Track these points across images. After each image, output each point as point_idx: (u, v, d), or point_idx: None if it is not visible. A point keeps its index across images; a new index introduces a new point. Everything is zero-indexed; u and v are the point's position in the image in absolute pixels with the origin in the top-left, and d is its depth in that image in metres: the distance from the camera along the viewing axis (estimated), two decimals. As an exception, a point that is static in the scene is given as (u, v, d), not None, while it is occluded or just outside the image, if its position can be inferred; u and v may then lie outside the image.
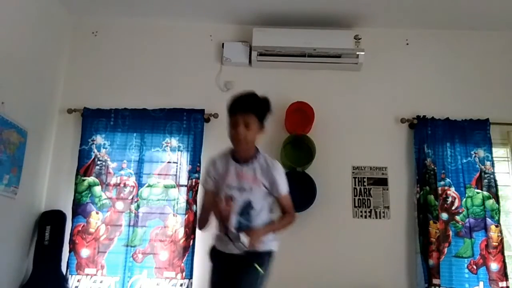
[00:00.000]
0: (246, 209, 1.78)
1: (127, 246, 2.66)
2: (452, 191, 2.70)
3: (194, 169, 2.76)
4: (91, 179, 2.76)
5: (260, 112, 1.78)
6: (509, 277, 2.54)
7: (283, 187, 1.84)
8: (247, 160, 1.83)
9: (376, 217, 2.75)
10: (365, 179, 2.81)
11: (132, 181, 2.78)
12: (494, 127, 2.80)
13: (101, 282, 2.62)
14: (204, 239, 2.35)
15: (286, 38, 2.89)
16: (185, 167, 2.79)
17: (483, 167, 2.72)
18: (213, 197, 1.82)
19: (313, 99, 2.84)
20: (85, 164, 2.79)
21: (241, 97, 1.80)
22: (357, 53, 2.85)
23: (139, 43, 3.10)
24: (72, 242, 2.66)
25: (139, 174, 2.78)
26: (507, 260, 2.56)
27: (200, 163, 2.76)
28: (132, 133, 2.86)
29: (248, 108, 1.75)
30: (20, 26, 2.52)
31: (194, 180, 2.74)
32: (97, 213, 2.72)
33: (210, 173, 1.86)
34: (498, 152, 2.83)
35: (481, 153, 2.75)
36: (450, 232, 2.63)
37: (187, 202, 2.71)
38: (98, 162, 2.80)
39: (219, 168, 1.85)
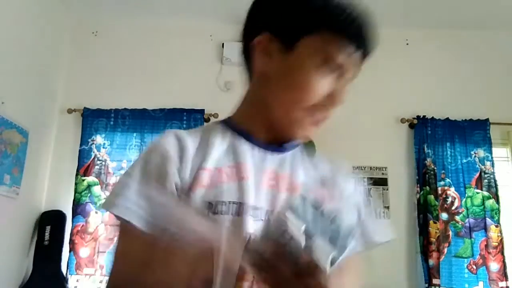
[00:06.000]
0: None
1: (126, 246, 2.66)
2: (452, 191, 2.70)
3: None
4: (90, 179, 2.76)
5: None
6: (508, 277, 2.54)
7: (384, 228, 0.84)
8: (286, 143, 0.79)
9: (376, 217, 2.74)
10: (365, 179, 2.81)
11: (132, 181, 2.78)
12: (494, 127, 2.80)
13: (100, 282, 2.62)
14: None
15: (286, 38, 2.89)
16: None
17: (483, 167, 2.72)
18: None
19: (313, 99, 2.84)
20: (85, 164, 2.79)
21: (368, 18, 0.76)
22: (357, 53, 2.85)
23: (139, 43, 3.10)
24: (71, 242, 2.66)
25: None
26: (506, 260, 2.56)
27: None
28: (132, 133, 2.85)
29: (372, 46, 0.77)
30: (20, 26, 2.52)
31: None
32: (96, 212, 2.72)
33: (169, 172, 0.68)
34: (498, 152, 2.83)
35: (481, 153, 2.75)
36: (450, 232, 2.63)
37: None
38: (98, 162, 2.80)
39: (205, 158, 0.72)
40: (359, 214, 0.72)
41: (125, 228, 0.68)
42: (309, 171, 0.79)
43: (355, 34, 0.72)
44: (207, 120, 2.87)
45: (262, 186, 0.72)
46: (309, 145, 0.85)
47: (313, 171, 0.79)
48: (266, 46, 0.75)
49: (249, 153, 0.75)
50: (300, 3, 0.73)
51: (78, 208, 2.71)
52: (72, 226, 2.68)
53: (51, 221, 2.72)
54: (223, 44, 3.00)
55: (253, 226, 0.67)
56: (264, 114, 0.77)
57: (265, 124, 0.77)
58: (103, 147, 2.83)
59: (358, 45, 0.72)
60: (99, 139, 2.84)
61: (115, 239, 0.68)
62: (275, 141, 0.78)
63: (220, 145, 0.74)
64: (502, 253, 2.56)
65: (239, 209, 0.68)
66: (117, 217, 0.66)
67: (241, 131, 0.77)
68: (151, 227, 0.64)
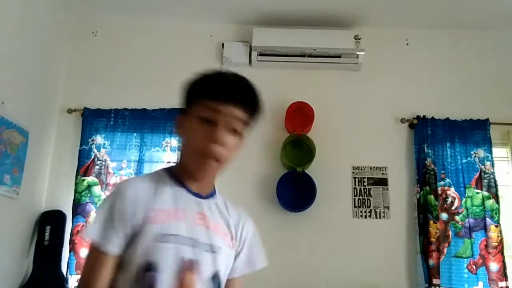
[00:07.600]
0: None
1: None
2: (452, 191, 2.70)
3: (194, 169, 2.76)
4: (90, 179, 2.76)
5: (256, 114, 1.08)
6: (508, 277, 2.54)
7: (263, 258, 1.19)
8: (206, 194, 1.12)
9: (376, 217, 2.74)
10: (365, 179, 2.81)
11: (132, 181, 2.77)
12: (494, 127, 2.80)
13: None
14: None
15: (286, 38, 2.89)
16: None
17: (483, 167, 2.72)
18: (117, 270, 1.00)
19: (313, 99, 2.84)
20: (85, 164, 2.79)
21: (238, 78, 1.06)
22: (357, 53, 2.85)
23: (139, 43, 3.10)
24: (71, 242, 2.66)
25: (138, 174, 2.78)
26: (506, 260, 2.56)
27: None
28: (132, 133, 2.85)
29: (248, 101, 1.05)
30: (19, 26, 2.52)
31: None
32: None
33: (127, 214, 0.98)
34: (498, 152, 2.83)
35: (481, 153, 2.75)
36: (450, 232, 2.63)
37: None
38: (98, 162, 2.80)
39: (155, 202, 1.01)
40: (250, 247, 1.16)
41: (94, 249, 1.00)
42: (223, 214, 1.13)
43: (213, 94, 1.01)
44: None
45: (194, 223, 1.04)
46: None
47: (226, 214, 1.13)
48: (180, 121, 1.10)
49: (186, 199, 1.06)
50: (190, 89, 1.07)
51: (78, 208, 2.71)
52: (72, 226, 2.68)
53: (51, 221, 2.72)
54: (223, 44, 3.00)
55: (189, 252, 0.99)
56: (184, 166, 1.08)
57: (189, 175, 1.07)
58: (103, 147, 2.83)
59: (217, 100, 1.01)
60: (99, 139, 2.84)
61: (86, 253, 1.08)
62: (200, 190, 1.10)
63: (165, 193, 1.04)
64: (502, 253, 2.56)
65: (178, 240, 0.99)
66: (92, 242, 1.00)
67: (180, 182, 1.08)
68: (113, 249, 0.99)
